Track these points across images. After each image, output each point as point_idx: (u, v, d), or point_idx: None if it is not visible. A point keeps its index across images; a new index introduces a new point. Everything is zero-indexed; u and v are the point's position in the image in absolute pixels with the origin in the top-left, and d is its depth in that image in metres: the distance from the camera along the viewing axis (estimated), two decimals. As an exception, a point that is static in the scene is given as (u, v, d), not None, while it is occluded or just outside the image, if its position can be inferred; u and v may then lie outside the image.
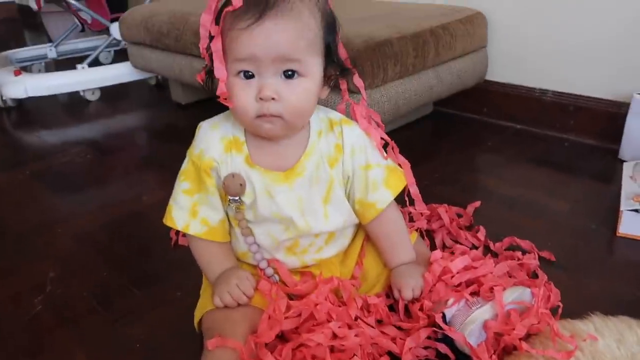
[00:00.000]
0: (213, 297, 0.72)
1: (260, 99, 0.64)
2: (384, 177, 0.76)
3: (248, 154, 0.72)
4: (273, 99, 0.64)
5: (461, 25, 1.39)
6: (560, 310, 0.74)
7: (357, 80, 0.78)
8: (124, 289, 0.90)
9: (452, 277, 0.77)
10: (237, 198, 0.72)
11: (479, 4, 1.49)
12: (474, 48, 1.46)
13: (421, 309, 0.74)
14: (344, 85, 0.79)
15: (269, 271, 0.77)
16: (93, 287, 0.91)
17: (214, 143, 0.72)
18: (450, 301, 0.73)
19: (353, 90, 0.83)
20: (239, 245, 0.77)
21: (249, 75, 0.65)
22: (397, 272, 0.79)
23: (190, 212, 0.73)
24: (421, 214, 0.97)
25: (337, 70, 0.71)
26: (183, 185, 0.74)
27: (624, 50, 1.29)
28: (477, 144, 1.43)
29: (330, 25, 0.68)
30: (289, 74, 0.64)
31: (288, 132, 0.70)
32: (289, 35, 0.62)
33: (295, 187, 0.72)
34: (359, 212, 0.78)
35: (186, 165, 0.74)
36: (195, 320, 0.76)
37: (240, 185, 0.71)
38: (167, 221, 0.75)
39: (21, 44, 2.43)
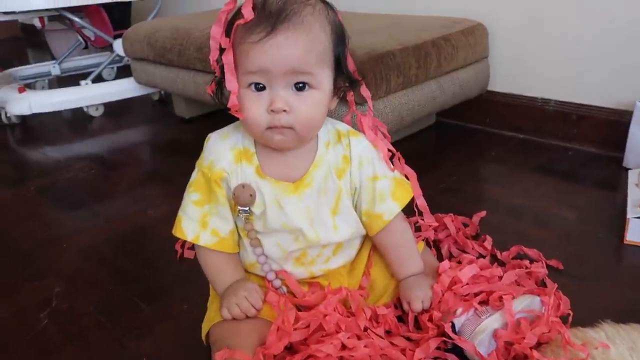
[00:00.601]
0: (221, 310, 0.72)
1: (272, 111, 0.65)
2: (391, 188, 0.76)
3: (259, 165, 0.72)
4: (284, 110, 0.65)
5: (462, 36, 1.40)
6: (570, 319, 0.74)
7: (364, 91, 0.79)
8: (130, 304, 0.90)
9: (462, 286, 0.76)
10: (246, 209, 0.72)
11: (480, 15, 1.50)
12: (475, 59, 1.47)
13: (430, 320, 0.74)
14: (350, 97, 0.80)
15: (277, 283, 0.77)
16: (99, 302, 0.91)
17: (224, 153, 0.72)
18: (459, 310, 0.73)
19: (358, 102, 0.83)
20: (247, 256, 0.77)
21: (260, 88, 0.65)
22: (405, 284, 0.78)
23: (200, 223, 0.73)
24: (430, 225, 0.97)
25: (346, 82, 0.72)
26: (193, 196, 0.73)
27: (626, 58, 1.30)
28: (480, 154, 1.43)
29: (339, 38, 0.68)
30: (300, 86, 0.65)
31: (299, 144, 0.70)
32: (300, 49, 0.63)
33: (304, 198, 0.72)
34: (366, 223, 0.78)
35: (195, 176, 0.74)
36: (203, 333, 0.75)
37: (251, 195, 0.71)
38: (177, 232, 0.74)
39: (24, 62, 2.45)
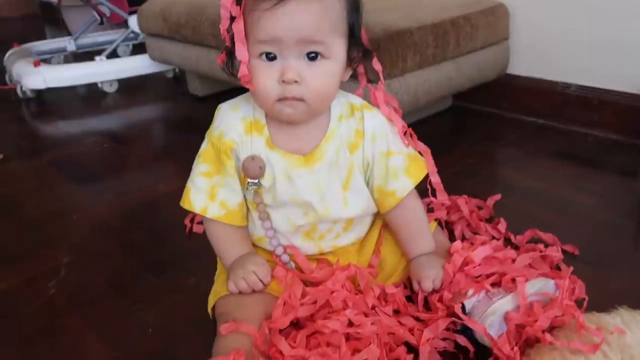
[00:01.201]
0: (227, 283, 0.71)
1: (283, 81, 0.63)
2: (405, 164, 0.74)
3: (269, 136, 0.70)
4: (296, 81, 0.63)
5: (482, 16, 1.36)
6: (585, 303, 0.72)
7: (376, 64, 0.76)
8: (138, 275, 0.90)
9: (474, 267, 0.74)
10: (256, 181, 0.70)
11: (501, -4, 1.46)
12: (495, 40, 1.43)
13: (440, 300, 0.72)
14: (362, 70, 0.78)
15: (285, 257, 0.76)
16: (107, 273, 0.91)
17: (234, 124, 0.70)
18: (470, 292, 0.71)
19: (371, 79, 0.81)
20: (256, 230, 0.76)
21: (271, 57, 0.63)
22: (416, 262, 0.77)
23: (208, 194, 0.72)
24: (442, 204, 0.95)
25: (360, 52, 0.69)
26: (201, 167, 0.72)
27: (652, 43, 1.26)
28: (497, 139, 1.40)
29: (353, 5, 0.66)
30: (312, 56, 0.63)
31: (309, 117, 0.68)
32: (313, 17, 0.61)
33: (315, 172, 0.71)
34: (378, 200, 0.76)
35: (205, 147, 0.73)
36: (209, 306, 0.75)
37: (260, 168, 0.69)
38: (185, 204, 0.73)
39: (42, 39, 2.45)
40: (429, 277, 0.73)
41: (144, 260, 0.94)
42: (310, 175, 0.71)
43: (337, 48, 0.65)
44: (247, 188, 0.72)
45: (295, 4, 0.60)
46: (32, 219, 1.11)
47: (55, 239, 1.03)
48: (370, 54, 0.71)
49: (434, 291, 0.74)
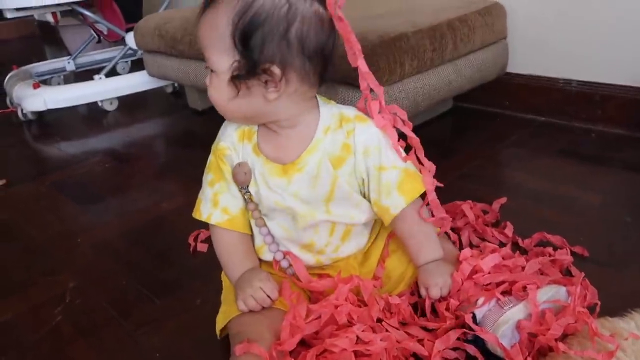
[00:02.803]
0: (237, 302, 0.70)
1: None
2: (398, 181, 0.72)
3: (256, 143, 0.72)
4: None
5: (479, 16, 1.35)
6: (598, 309, 0.70)
7: (366, 74, 0.71)
8: (143, 298, 0.89)
9: (483, 276, 0.73)
10: (245, 188, 0.73)
11: (497, -5, 1.45)
12: (493, 40, 1.42)
13: (447, 309, 0.71)
14: (363, 84, 0.76)
15: (285, 263, 0.76)
16: (112, 297, 0.90)
17: (230, 133, 0.74)
18: (481, 301, 0.70)
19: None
20: (255, 238, 0.77)
21: None
22: (424, 270, 0.75)
23: (212, 202, 0.74)
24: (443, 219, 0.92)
25: (242, 70, 0.63)
26: (208, 177, 0.76)
27: (652, 35, 1.24)
28: (500, 139, 1.39)
29: (244, 22, 0.62)
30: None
31: (230, 119, 0.72)
32: (200, 33, 0.66)
33: (294, 182, 0.71)
34: (378, 214, 0.75)
35: (210, 158, 0.76)
36: (218, 327, 0.74)
37: (245, 174, 0.72)
38: (196, 214, 0.76)
39: (42, 59, 2.45)
40: (437, 285, 0.73)
41: (149, 281, 0.93)
42: (288, 186, 0.71)
43: (220, 63, 0.65)
44: (243, 197, 0.74)
45: (203, 17, 0.66)
46: (36, 243, 1.11)
47: (59, 264, 1.02)
48: (253, 73, 0.63)
49: (441, 298, 0.73)
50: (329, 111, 0.72)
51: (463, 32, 1.30)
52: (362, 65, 0.70)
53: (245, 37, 0.62)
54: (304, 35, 0.63)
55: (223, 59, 0.64)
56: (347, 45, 0.69)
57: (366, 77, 0.71)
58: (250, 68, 0.63)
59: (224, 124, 0.76)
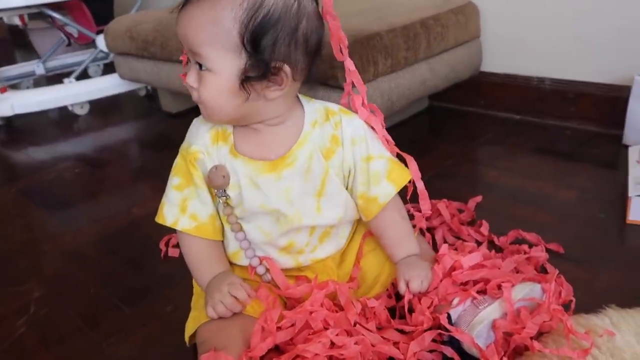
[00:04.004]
0: (206, 308, 0.68)
1: None
2: (387, 169, 0.73)
3: (233, 144, 0.69)
4: (193, 87, 0.64)
5: (452, 15, 1.35)
6: (573, 306, 0.70)
7: (351, 71, 0.75)
8: (112, 307, 0.86)
9: (462, 272, 0.72)
10: (222, 191, 0.69)
11: (470, -6, 1.45)
12: (467, 39, 1.42)
13: (429, 307, 0.70)
14: (348, 87, 0.76)
15: (261, 269, 0.74)
16: (80, 306, 0.87)
17: (202, 135, 0.70)
18: (456, 301, 0.69)
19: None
20: (230, 244, 0.74)
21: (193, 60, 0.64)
22: (405, 262, 0.74)
23: (180, 207, 0.71)
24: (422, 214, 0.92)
25: (259, 71, 0.61)
26: (174, 180, 0.72)
27: (622, 32, 1.25)
28: (476, 137, 1.39)
29: (256, 21, 0.59)
30: (201, 66, 0.63)
31: (218, 120, 0.68)
32: (192, 27, 0.61)
33: (284, 177, 0.69)
34: (363, 207, 0.74)
35: (177, 161, 0.72)
36: (187, 334, 0.71)
37: (223, 177, 0.68)
38: (159, 218, 0.72)
39: (12, 63, 2.39)
40: (419, 277, 0.71)
41: (118, 289, 0.90)
42: (278, 182, 0.69)
43: (222, 63, 0.61)
44: (218, 201, 0.70)
45: (185, 12, 0.61)
46: (1, 252, 1.07)
47: (25, 273, 0.99)
48: (267, 75, 0.61)
49: (420, 294, 0.71)
50: (313, 107, 0.72)
51: (436, 31, 1.30)
52: (349, 63, 0.73)
53: (257, 37, 0.60)
54: (309, 34, 0.63)
55: (226, 57, 0.61)
56: (334, 41, 0.70)
57: (352, 75, 0.73)
58: (263, 70, 0.61)
59: (193, 125, 0.72)
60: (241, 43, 0.60)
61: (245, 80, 0.61)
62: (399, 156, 0.76)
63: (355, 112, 0.74)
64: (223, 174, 0.68)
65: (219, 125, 0.70)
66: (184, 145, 0.71)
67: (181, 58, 0.71)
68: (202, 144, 0.69)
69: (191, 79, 0.63)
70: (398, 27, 1.22)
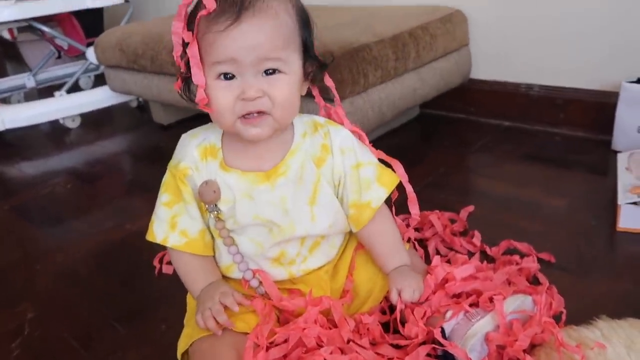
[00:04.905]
0: (195, 316, 0.68)
1: (243, 99, 0.62)
2: (377, 174, 0.74)
3: (223, 159, 0.70)
4: (259, 97, 0.63)
5: (440, 24, 1.36)
6: (564, 317, 0.70)
7: (327, 80, 0.76)
8: (106, 327, 0.86)
9: (454, 284, 0.73)
10: (213, 206, 0.69)
11: (457, 2, 1.46)
12: (455, 47, 1.43)
13: (423, 317, 0.70)
14: (316, 92, 0.78)
15: (254, 282, 0.74)
16: (74, 327, 0.87)
17: (190, 151, 0.70)
18: (449, 314, 0.69)
19: (329, 98, 0.80)
20: (223, 257, 0.74)
21: (229, 77, 0.63)
22: (397, 272, 0.74)
23: (169, 224, 0.71)
24: (408, 224, 0.92)
25: (314, 66, 0.70)
26: (163, 197, 0.72)
27: (610, 38, 1.26)
28: (466, 145, 1.39)
29: (304, 21, 0.67)
30: (270, 72, 0.63)
31: (274, 133, 0.67)
32: (267, 35, 0.61)
33: (278, 187, 0.69)
34: (354, 216, 0.74)
35: (166, 177, 0.72)
36: (179, 351, 0.71)
37: (214, 192, 0.69)
38: (149, 236, 0.72)
39: (3, 76, 2.38)
40: (411, 286, 0.71)
41: (112, 309, 0.90)
42: (273, 191, 0.69)
43: (294, 63, 0.65)
44: (209, 216, 0.71)
45: (248, 24, 0.60)
46: (-7, 272, 1.07)
47: (18, 293, 0.98)
48: (325, 66, 0.71)
49: (413, 305, 0.72)
50: (301, 119, 0.73)
51: (425, 40, 1.31)
52: (327, 79, 0.76)
53: (308, 35, 0.67)
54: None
55: (296, 57, 0.65)
56: None
57: (330, 88, 0.77)
58: (317, 62, 0.69)
59: (182, 141, 0.73)
60: (302, 41, 0.66)
61: (306, 75, 0.68)
62: (384, 162, 0.77)
63: (340, 123, 0.76)
64: (214, 189, 0.69)
65: (207, 141, 0.71)
66: (173, 162, 0.72)
67: (176, 87, 0.69)
68: (191, 160, 0.70)
69: (255, 90, 0.62)
70: (387, 37, 1.23)
